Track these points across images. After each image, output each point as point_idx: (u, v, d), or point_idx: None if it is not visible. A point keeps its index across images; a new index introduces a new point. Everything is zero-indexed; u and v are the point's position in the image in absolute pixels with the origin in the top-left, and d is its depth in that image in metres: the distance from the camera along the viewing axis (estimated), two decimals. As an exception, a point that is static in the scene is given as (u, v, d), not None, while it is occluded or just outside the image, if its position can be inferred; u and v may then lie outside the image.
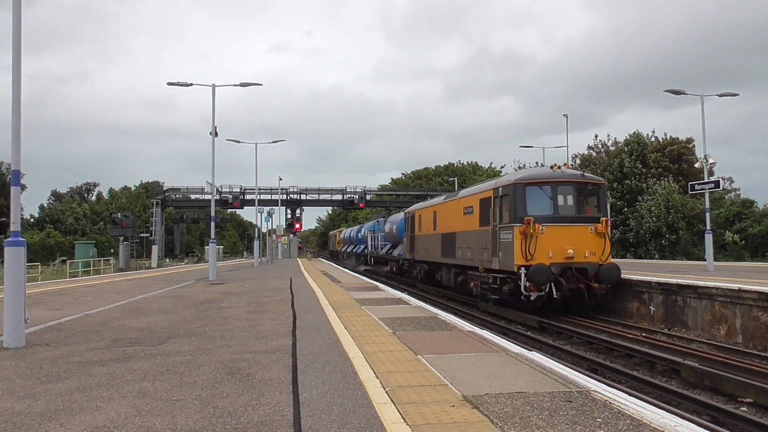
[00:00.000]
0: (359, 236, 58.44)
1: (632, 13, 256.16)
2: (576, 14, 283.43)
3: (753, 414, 8.69)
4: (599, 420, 5.01)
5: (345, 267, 46.97)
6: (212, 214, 30.88)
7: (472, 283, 22.13)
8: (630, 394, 6.70)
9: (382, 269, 46.52)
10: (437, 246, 26.06)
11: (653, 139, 52.88)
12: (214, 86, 28.24)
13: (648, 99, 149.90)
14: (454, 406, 5.46)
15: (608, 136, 57.98)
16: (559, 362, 8.52)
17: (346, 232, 72.45)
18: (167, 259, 72.04)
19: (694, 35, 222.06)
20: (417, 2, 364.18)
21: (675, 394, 9.77)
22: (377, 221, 51.08)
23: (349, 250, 66.66)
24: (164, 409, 5.54)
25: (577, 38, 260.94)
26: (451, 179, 74.42)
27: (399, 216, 40.19)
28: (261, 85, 31.38)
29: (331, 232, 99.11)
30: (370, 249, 49.96)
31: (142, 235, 67.80)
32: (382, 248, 45.67)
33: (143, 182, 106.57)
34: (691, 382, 10.49)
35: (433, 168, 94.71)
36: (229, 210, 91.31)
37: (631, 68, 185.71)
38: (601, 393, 5.92)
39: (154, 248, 63.19)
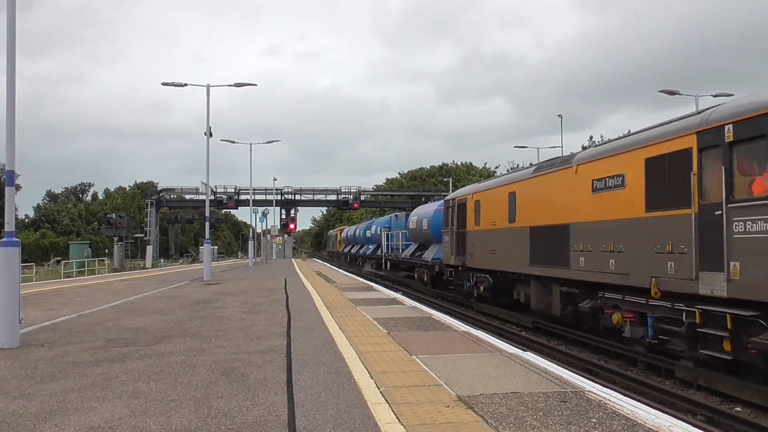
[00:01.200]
0: (367, 235, 48.83)
1: (623, 16, 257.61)
2: (567, 17, 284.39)
3: (748, 414, 8.72)
4: (594, 420, 5.03)
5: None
6: (207, 214, 30.84)
7: (617, 317, 11.99)
8: (624, 395, 6.72)
9: (399, 275, 36.88)
10: (518, 247, 16.56)
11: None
12: (208, 86, 28.33)
13: (639, 100, 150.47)
14: (448, 406, 5.47)
15: (602, 137, 58.09)
16: (554, 362, 8.55)
17: (350, 230, 63.59)
18: (162, 260, 71.88)
19: (684, 38, 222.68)
20: (410, 5, 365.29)
21: (669, 394, 9.81)
22: (395, 215, 41.89)
23: (353, 251, 57.44)
24: (159, 410, 5.53)
25: (568, 41, 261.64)
26: (445, 179, 74.50)
27: (431, 207, 30.57)
28: (255, 85, 31.41)
29: (330, 232, 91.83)
30: (385, 250, 39.68)
31: (136, 235, 67.63)
32: (403, 249, 35.14)
33: (138, 183, 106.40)
34: (686, 381, 10.52)
35: (428, 168, 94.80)
36: (224, 210, 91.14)
37: (622, 70, 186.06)
38: (595, 393, 5.94)
39: (149, 248, 63.04)
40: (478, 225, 20.14)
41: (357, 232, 55.85)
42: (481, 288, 20.12)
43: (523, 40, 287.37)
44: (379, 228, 43.22)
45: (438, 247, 26.62)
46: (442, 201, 27.95)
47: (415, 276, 31.40)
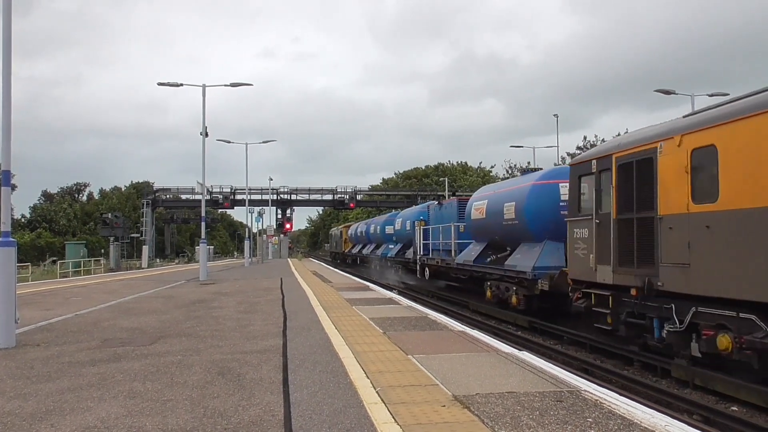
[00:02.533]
0: (387, 231, 38.67)
1: (616, 17, 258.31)
2: (559, 18, 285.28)
3: (744, 413, 8.74)
4: (590, 420, 5.03)
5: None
6: (203, 214, 30.89)
7: None
8: (620, 394, 6.73)
9: (438, 284, 28.04)
10: None
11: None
12: (204, 86, 28.37)
13: (632, 101, 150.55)
14: (444, 406, 5.47)
15: (596, 137, 58.33)
16: (550, 362, 8.55)
17: (360, 226, 51.96)
18: (158, 260, 71.79)
19: (676, 39, 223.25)
20: (404, 8, 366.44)
21: (666, 393, 9.82)
22: (437, 203, 29.31)
23: (365, 252, 46.73)
24: (155, 410, 5.52)
25: (561, 42, 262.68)
26: (441, 179, 74.55)
27: (521, 182, 18.87)
28: (251, 85, 31.49)
29: (333, 229, 79.74)
30: (421, 252, 28.29)
31: (132, 235, 67.63)
32: (458, 251, 22.94)
33: (134, 182, 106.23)
34: (683, 381, 10.54)
35: (423, 168, 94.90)
36: (220, 210, 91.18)
37: (615, 71, 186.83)
38: (591, 393, 5.95)
39: (145, 248, 62.98)
40: (711, 200, 8.98)
41: (371, 228, 44.94)
42: (723, 342, 8.86)
43: (515, 41, 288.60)
44: (407, 222, 32.87)
45: (539, 248, 16.50)
46: (538, 174, 18.37)
47: (488, 293, 19.44)
